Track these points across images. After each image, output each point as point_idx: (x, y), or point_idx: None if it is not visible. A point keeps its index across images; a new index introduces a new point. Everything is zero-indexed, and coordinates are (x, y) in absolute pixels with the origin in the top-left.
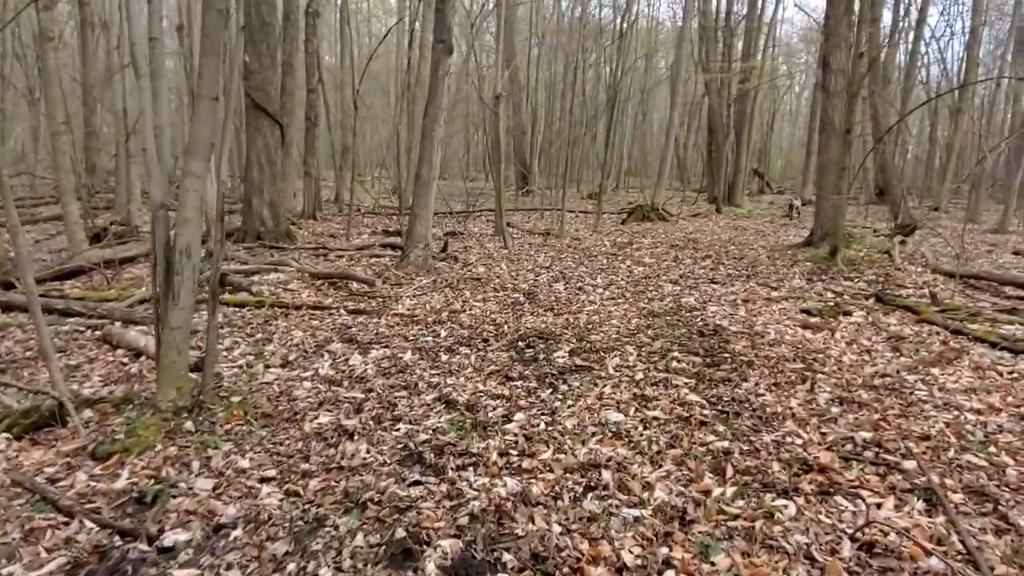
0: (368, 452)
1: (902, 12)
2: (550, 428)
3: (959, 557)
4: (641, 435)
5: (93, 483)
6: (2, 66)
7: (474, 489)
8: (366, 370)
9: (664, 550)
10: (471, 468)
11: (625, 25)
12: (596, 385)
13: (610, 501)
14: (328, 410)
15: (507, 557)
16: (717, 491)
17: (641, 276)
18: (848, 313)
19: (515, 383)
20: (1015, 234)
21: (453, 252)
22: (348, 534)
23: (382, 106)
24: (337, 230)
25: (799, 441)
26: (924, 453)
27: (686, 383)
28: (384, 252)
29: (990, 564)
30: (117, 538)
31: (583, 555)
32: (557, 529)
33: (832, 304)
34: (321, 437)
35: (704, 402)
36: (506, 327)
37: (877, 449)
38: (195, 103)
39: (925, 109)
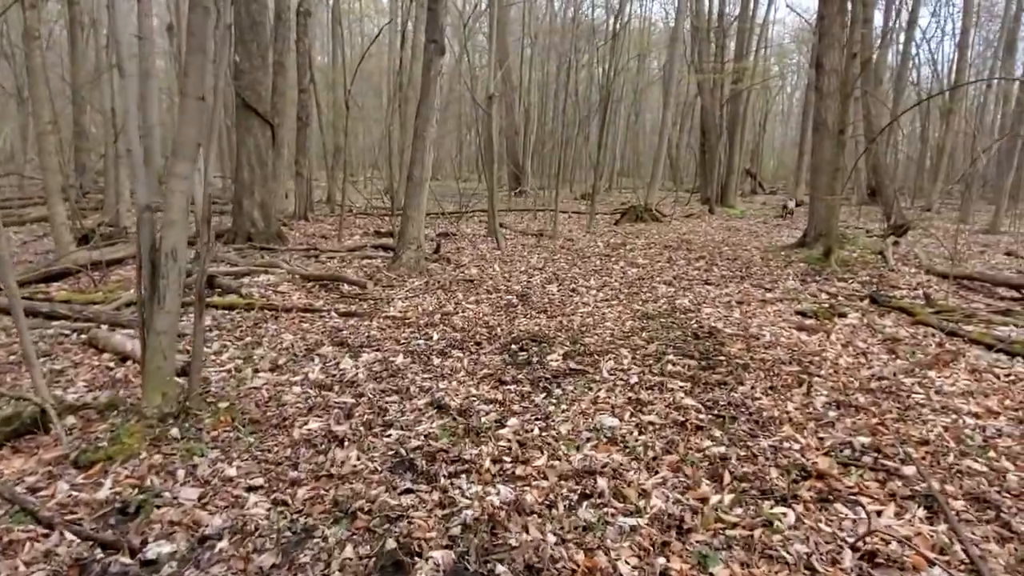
0: (358, 459)
1: (893, 13)
2: (544, 433)
3: (962, 567)
4: (636, 440)
5: (75, 493)
6: None
7: (467, 497)
8: (357, 374)
9: (662, 560)
10: (464, 475)
11: (618, 26)
12: (590, 389)
13: (606, 509)
14: (318, 416)
15: (501, 569)
16: (715, 498)
17: (635, 277)
18: (843, 315)
19: (508, 387)
20: (1007, 234)
21: (446, 253)
22: (337, 545)
23: (374, 106)
24: (329, 231)
25: (797, 446)
26: (923, 458)
27: (681, 387)
28: (376, 253)
29: (994, 574)
30: (99, 550)
31: (579, 566)
32: (552, 539)
33: (827, 306)
34: (310, 444)
35: (700, 406)
36: (499, 330)
37: (876, 454)
38: (181, 102)
39: (916, 109)
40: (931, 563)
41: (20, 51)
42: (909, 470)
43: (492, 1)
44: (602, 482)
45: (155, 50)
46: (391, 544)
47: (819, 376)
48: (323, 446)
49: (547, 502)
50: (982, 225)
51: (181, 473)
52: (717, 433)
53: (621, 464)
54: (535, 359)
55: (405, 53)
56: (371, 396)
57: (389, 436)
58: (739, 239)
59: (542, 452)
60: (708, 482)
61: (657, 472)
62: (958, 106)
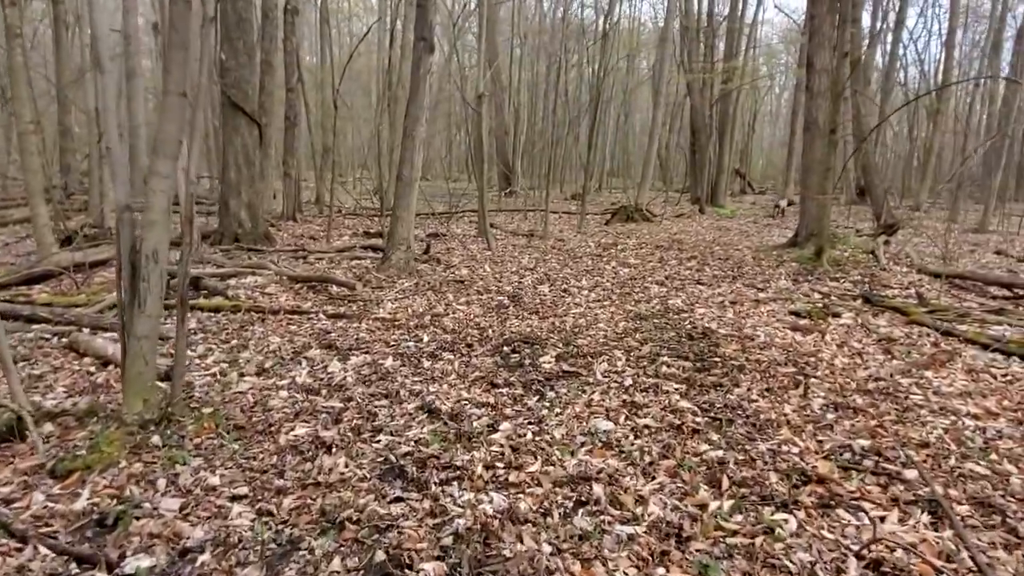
0: (347, 466)
1: (881, 14)
2: (537, 438)
3: (969, 575)
4: (632, 445)
5: (51, 504)
6: None
7: (459, 505)
8: (345, 378)
9: (661, 571)
10: (455, 482)
11: (607, 26)
12: (584, 392)
13: (602, 517)
14: (305, 421)
15: None
16: (714, 505)
17: (627, 277)
18: (837, 315)
19: (500, 390)
20: (996, 233)
21: (435, 254)
22: (324, 558)
23: (363, 106)
24: (317, 232)
25: (795, 450)
26: (925, 461)
27: (677, 389)
28: (365, 254)
29: None
30: (74, 565)
31: None
32: (547, 549)
33: (820, 306)
34: (297, 450)
35: (696, 409)
36: (490, 331)
37: (876, 458)
38: (162, 99)
39: (904, 109)
40: (938, 571)
41: (2, 50)
42: (911, 474)
43: (481, 0)
44: (598, 488)
45: (141, 48)
46: (380, 556)
47: (815, 377)
48: (310, 453)
49: (541, 510)
50: (971, 224)
51: (162, 482)
52: (714, 437)
53: (617, 469)
54: (527, 361)
55: (394, 52)
56: (360, 400)
57: (378, 442)
58: (730, 239)
59: (536, 457)
60: (706, 488)
61: (654, 478)
62: (946, 106)
